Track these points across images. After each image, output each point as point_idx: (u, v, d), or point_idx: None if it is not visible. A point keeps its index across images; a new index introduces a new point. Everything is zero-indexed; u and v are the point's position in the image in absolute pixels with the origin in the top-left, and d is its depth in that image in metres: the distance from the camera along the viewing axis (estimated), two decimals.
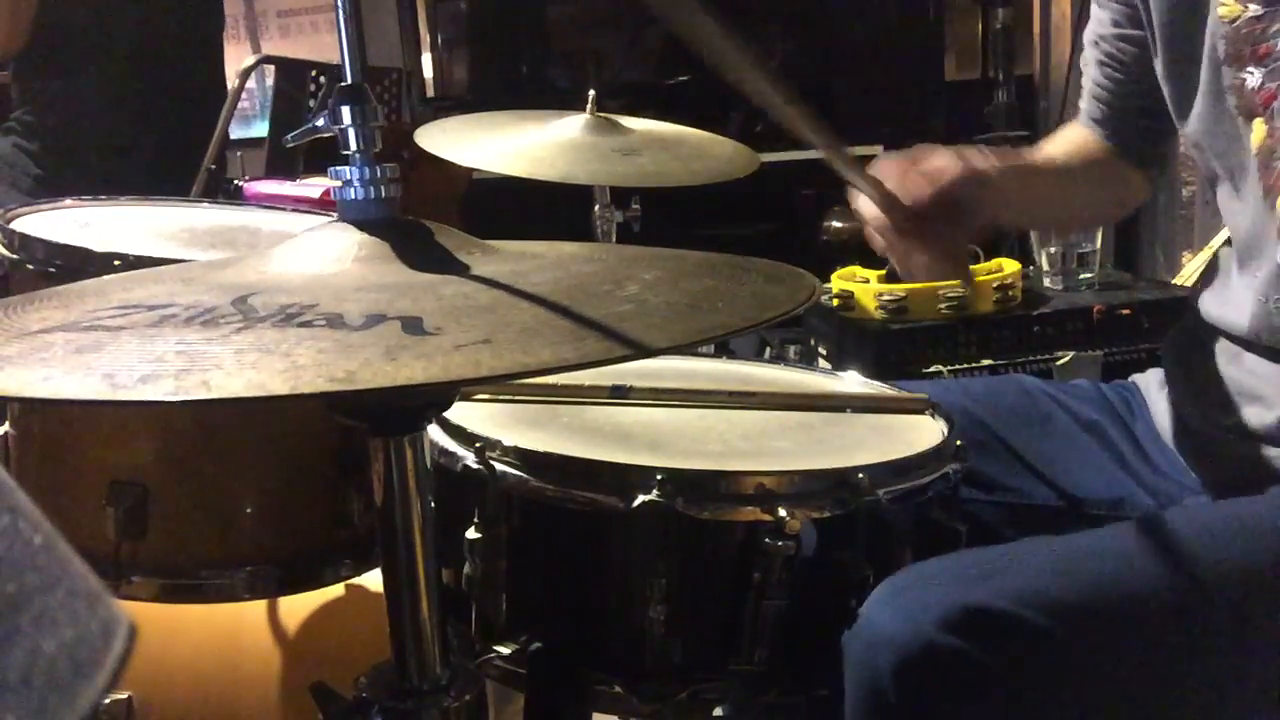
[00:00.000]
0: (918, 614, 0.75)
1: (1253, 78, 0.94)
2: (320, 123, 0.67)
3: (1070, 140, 1.19)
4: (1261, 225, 0.95)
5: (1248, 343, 0.98)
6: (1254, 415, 0.96)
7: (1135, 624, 0.79)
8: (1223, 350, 1.02)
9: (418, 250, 0.63)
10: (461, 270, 0.62)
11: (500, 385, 0.99)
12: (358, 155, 0.65)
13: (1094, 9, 1.16)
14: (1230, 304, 1.00)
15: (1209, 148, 1.00)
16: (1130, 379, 1.17)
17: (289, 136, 0.76)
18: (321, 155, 0.65)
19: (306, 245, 0.65)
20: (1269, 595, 0.83)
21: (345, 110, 0.65)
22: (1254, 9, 0.93)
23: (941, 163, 1.00)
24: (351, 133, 0.65)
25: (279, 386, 0.46)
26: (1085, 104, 1.20)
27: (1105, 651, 0.78)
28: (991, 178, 1.02)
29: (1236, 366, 0.99)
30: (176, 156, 2.29)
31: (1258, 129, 0.94)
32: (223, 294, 0.58)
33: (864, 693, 0.76)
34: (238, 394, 0.45)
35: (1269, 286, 0.95)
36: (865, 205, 0.99)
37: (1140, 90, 1.13)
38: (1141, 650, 0.80)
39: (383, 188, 0.65)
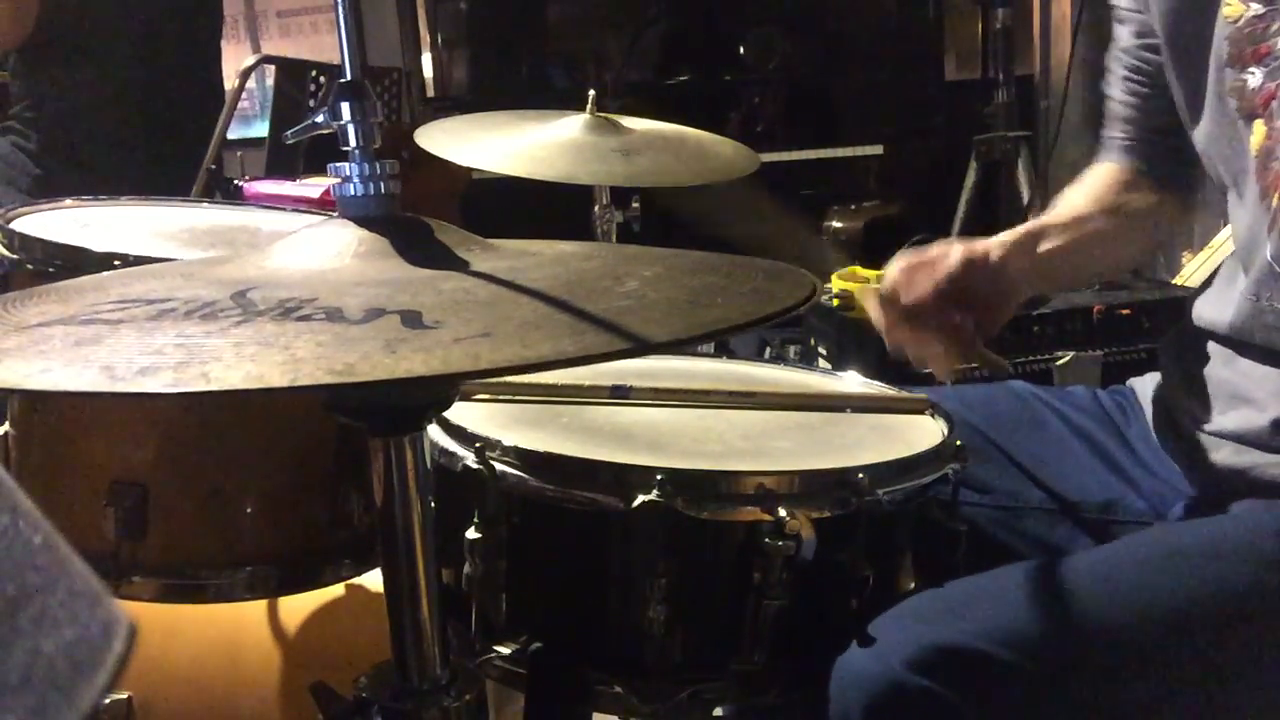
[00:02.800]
0: (886, 653, 0.75)
1: (1254, 78, 0.94)
2: (320, 119, 0.67)
3: (1096, 188, 1.17)
4: (1258, 225, 0.95)
5: (1240, 345, 0.98)
6: (1244, 418, 0.96)
7: (1105, 655, 0.79)
8: (1217, 353, 1.02)
9: (417, 246, 0.63)
10: (461, 266, 0.62)
11: (500, 385, 0.99)
12: (357, 151, 0.65)
13: (1115, 26, 1.15)
14: (1222, 305, 1.00)
15: (1215, 153, 1.00)
16: (1127, 383, 1.17)
17: (288, 133, 0.76)
18: (321, 155, 0.65)
19: (305, 241, 0.65)
20: (1243, 619, 0.82)
21: (345, 106, 0.65)
22: (1255, 8, 0.93)
23: (942, 254, 1.02)
24: (351, 129, 0.65)
25: (278, 379, 0.46)
26: (1111, 130, 1.18)
27: (1075, 685, 0.78)
28: (991, 261, 1.03)
29: (1230, 369, 0.99)
30: (176, 156, 2.29)
31: (1258, 130, 0.94)
32: (221, 289, 0.58)
33: None
34: (237, 385, 0.45)
35: (1260, 285, 0.95)
36: (872, 308, 1.02)
37: (1167, 105, 1.11)
38: (1114, 680, 0.79)
39: (382, 184, 0.65)
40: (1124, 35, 1.13)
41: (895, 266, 1.03)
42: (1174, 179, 1.16)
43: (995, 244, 1.05)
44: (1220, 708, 0.82)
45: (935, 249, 1.03)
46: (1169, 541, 0.88)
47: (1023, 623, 0.77)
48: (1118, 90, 1.16)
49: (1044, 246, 1.09)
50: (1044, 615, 0.78)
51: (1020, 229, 1.08)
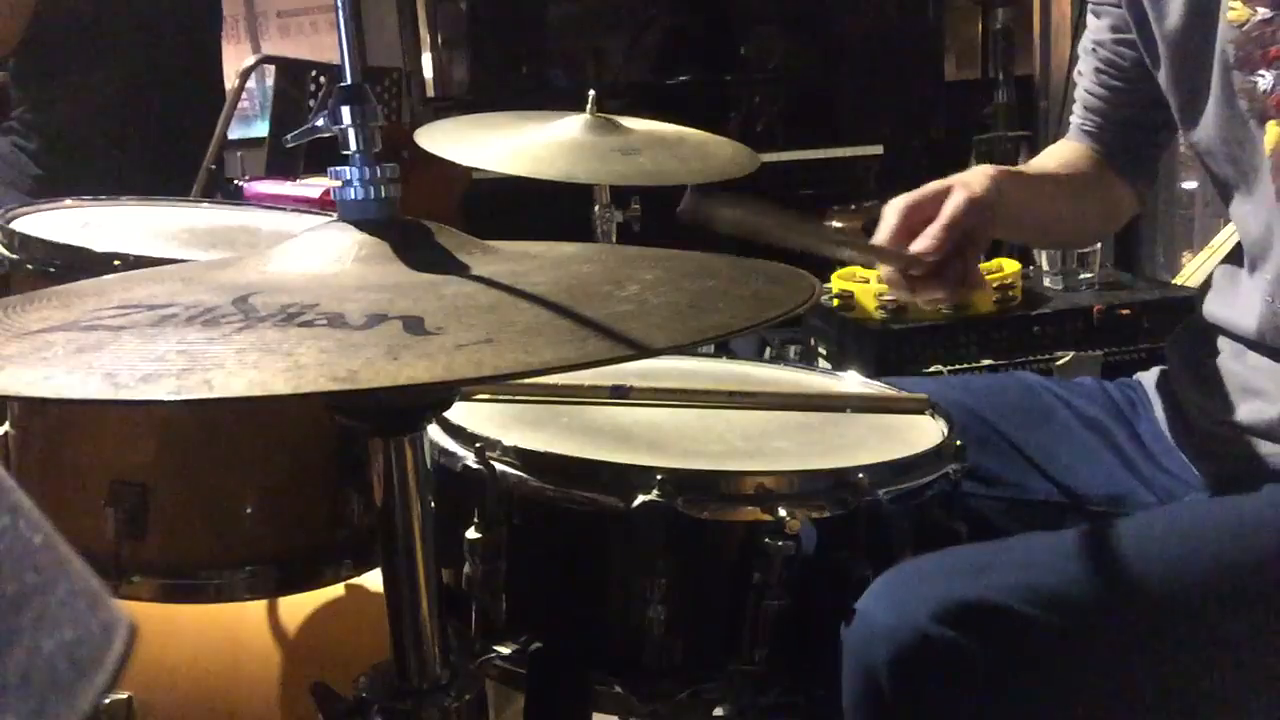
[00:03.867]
0: (912, 607, 0.75)
1: (1264, 80, 0.94)
2: (320, 123, 0.67)
3: (1061, 154, 1.19)
4: (1273, 227, 0.96)
5: (1252, 341, 0.99)
6: (1255, 411, 0.97)
7: (1128, 617, 0.80)
8: (1226, 348, 1.02)
9: (418, 250, 0.63)
10: (462, 270, 0.62)
11: (500, 385, 0.99)
12: (357, 155, 0.65)
13: (1089, 17, 1.16)
14: (1237, 306, 1.00)
15: (1220, 153, 1.01)
16: (1134, 376, 1.17)
17: (289, 137, 0.76)
18: (322, 155, 0.65)
19: (306, 245, 0.65)
20: (1263, 589, 0.83)
21: (345, 110, 0.65)
22: (1263, 12, 0.94)
23: (946, 203, 0.99)
24: (351, 133, 0.65)
25: (281, 386, 0.46)
26: (1077, 116, 1.20)
27: (1098, 643, 0.79)
28: (992, 201, 1.01)
29: (1239, 363, 1.00)
30: (176, 156, 2.29)
31: (1271, 131, 0.95)
32: (223, 294, 0.58)
33: (860, 685, 0.77)
34: (240, 393, 0.45)
35: (1276, 286, 0.95)
36: (883, 268, 1.01)
37: (1135, 99, 1.14)
38: (1133, 642, 0.80)
39: (382, 187, 0.65)
40: (1100, 29, 1.14)
41: (893, 209, 1.00)
42: (1133, 169, 1.19)
43: (988, 183, 1.02)
44: (1238, 676, 0.83)
45: (930, 187, 1.01)
46: (1194, 515, 0.90)
47: (1047, 581, 0.78)
48: (1089, 80, 1.17)
49: (1025, 194, 1.10)
50: (1067, 576, 0.79)
51: (1003, 170, 1.08)
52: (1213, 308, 1.05)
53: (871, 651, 0.76)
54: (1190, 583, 0.81)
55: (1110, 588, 0.80)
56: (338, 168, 0.65)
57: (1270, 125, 0.94)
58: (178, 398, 0.45)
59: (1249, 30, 0.94)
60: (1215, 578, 0.82)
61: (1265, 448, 0.95)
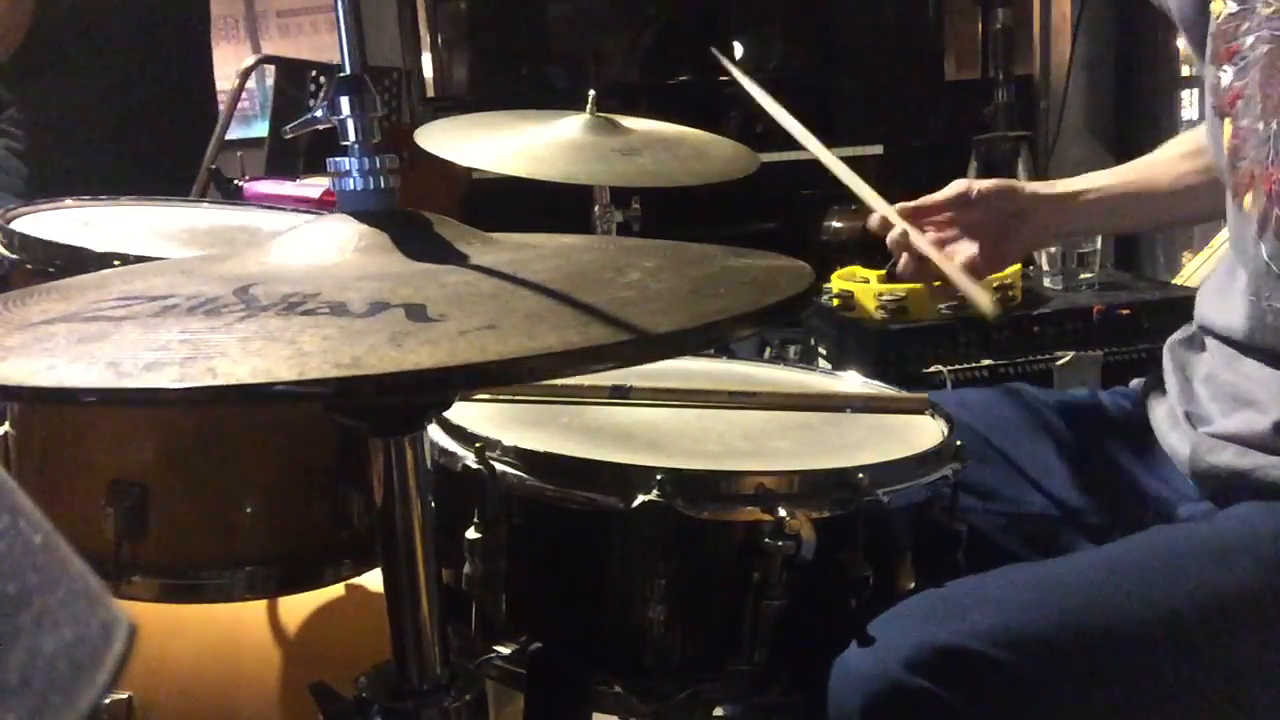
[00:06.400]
0: (886, 653, 0.75)
1: (1225, 76, 0.94)
2: (319, 113, 0.66)
3: (1182, 141, 1.19)
4: (1241, 225, 0.95)
5: (1244, 346, 0.98)
6: (1247, 421, 0.95)
7: (1106, 656, 0.79)
8: (1220, 355, 1.01)
9: (417, 240, 0.63)
10: (462, 259, 0.62)
11: (500, 386, 0.99)
12: (356, 146, 0.65)
13: None
14: (1226, 306, 1.00)
15: (1210, 149, 1.01)
16: (1130, 385, 1.17)
17: (287, 127, 0.76)
18: (321, 155, 0.65)
19: (306, 236, 0.65)
20: (1243, 618, 0.82)
21: (344, 101, 0.65)
22: (1231, 6, 0.93)
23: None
24: (350, 123, 0.65)
25: (285, 373, 0.45)
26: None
27: (1075, 685, 0.78)
28: (1026, 195, 1.08)
29: (1233, 371, 0.99)
30: (170, 156, 2.29)
31: (1227, 128, 0.94)
32: (224, 285, 0.57)
33: None
34: (245, 380, 0.45)
35: (1259, 284, 0.94)
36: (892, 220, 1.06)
37: None
38: (1113, 682, 0.79)
39: (382, 178, 0.65)
40: None
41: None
42: None
43: (1033, 186, 1.09)
44: (1220, 711, 0.82)
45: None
46: (1168, 544, 0.88)
47: (1022, 624, 0.77)
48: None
49: (1091, 195, 1.13)
50: (1042, 616, 0.78)
51: (1072, 181, 1.15)
52: (1204, 309, 1.04)
53: (845, 698, 0.75)
54: (1169, 617, 0.80)
55: (1090, 627, 0.79)
56: (337, 159, 0.65)
57: (1226, 122, 0.94)
58: (181, 386, 0.45)
59: (1221, 24, 0.94)
60: (1195, 609, 0.81)
61: (1256, 459, 0.94)
